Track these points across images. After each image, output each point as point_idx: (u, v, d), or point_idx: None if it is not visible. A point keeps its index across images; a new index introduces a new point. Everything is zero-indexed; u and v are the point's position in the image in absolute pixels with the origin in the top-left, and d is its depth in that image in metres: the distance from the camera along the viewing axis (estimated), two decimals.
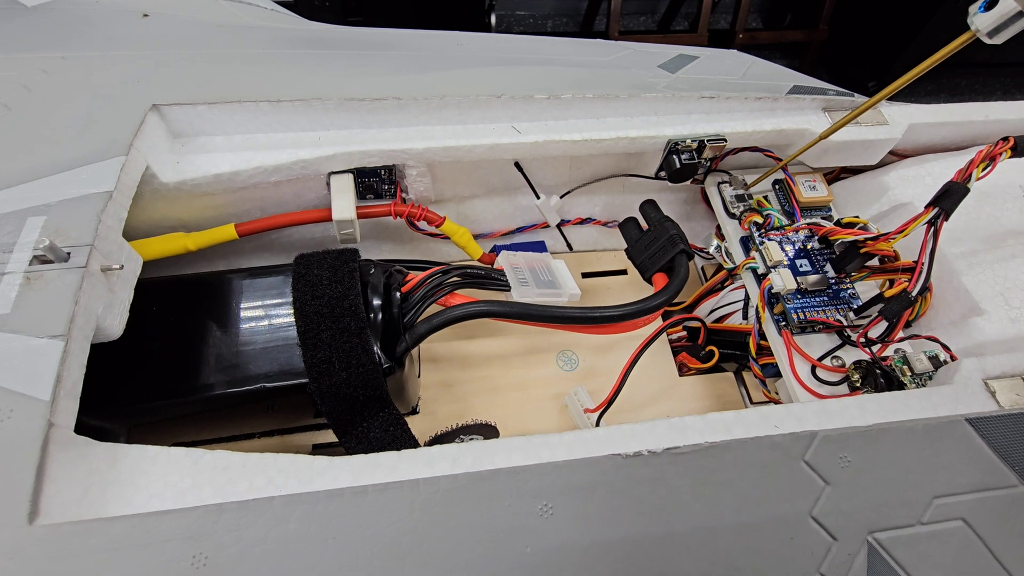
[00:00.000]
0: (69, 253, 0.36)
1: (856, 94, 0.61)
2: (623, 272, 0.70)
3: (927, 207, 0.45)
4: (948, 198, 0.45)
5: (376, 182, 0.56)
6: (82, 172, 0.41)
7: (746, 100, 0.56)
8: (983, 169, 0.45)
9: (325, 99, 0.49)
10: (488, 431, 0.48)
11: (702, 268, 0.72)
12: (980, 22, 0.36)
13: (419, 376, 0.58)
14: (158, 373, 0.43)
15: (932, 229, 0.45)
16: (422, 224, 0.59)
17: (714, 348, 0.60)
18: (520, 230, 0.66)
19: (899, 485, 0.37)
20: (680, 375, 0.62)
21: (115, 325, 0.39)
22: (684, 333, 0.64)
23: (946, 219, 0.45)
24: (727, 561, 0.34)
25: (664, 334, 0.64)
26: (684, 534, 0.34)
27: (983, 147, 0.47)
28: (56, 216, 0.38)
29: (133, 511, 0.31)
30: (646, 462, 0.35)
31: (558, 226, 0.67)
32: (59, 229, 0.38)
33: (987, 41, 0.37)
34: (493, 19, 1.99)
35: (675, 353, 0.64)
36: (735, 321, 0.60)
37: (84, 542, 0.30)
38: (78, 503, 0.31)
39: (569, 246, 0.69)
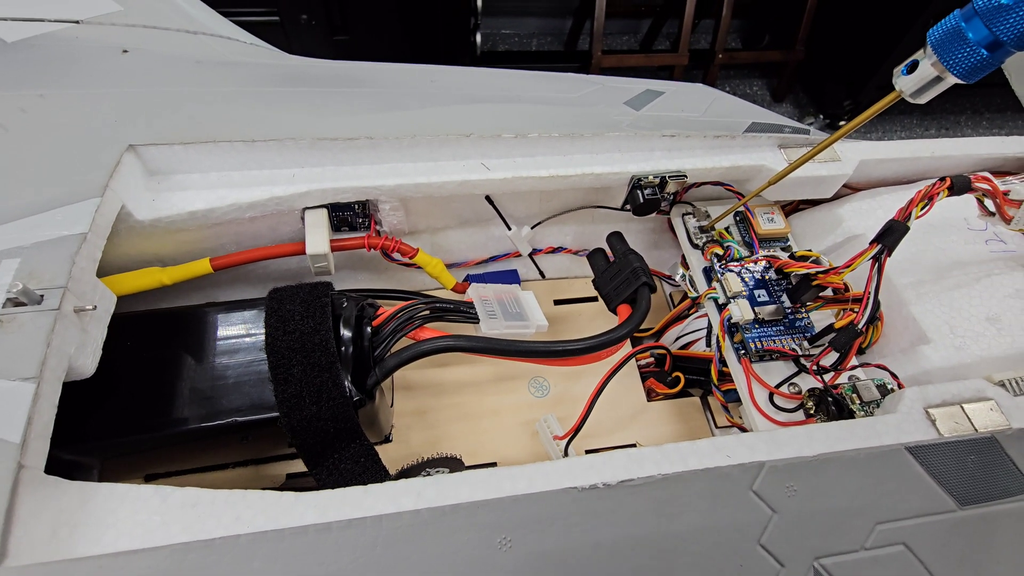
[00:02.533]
0: (42, 296, 0.37)
1: (812, 129, 0.64)
2: (595, 299, 0.72)
3: (871, 243, 0.48)
4: (890, 235, 0.47)
5: (350, 215, 0.57)
6: (57, 214, 0.42)
7: (705, 138, 0.58)
8: (922, 208, 0.48)
9: (299, 139, 0.51)
10: (454, 464, 0.49)
11: (670, 294, 0.74)
12: (902, 84, 0.39)
13: (392, 405, 0.59)
14: (131, 408, 0.44)
15: (876, 264, 0.48)
16: (396, 255, 0.60)
17: (680, 374, 0.62)
18: (493, 259, 0.68)
19: (843, 512, 0.39)
20: (648, 400, 0.64)
21: (87, 364, 0.40)
22: (652, 360, 0.66)
23: (889, 255, 0.48)
24: None
25: (633, 360, 0.66)
26: (638, 564, 0.36)
27: (924, 185, 0.49)
28: (30, 259, 0.39)
29: (102, 551, 0.32)
30: (601, 495, 0.37)
31: (530, 255, 0.69)
32: (33, 272, 0.39)
33: (911, 101, 0.39)
34: (479, 38, 2.03)
35: (643, 379, 0.66)
36: (700, 348, 0.63)
37: None
38: (47, 543, 0.32)
39: (542, 274, 0.71)
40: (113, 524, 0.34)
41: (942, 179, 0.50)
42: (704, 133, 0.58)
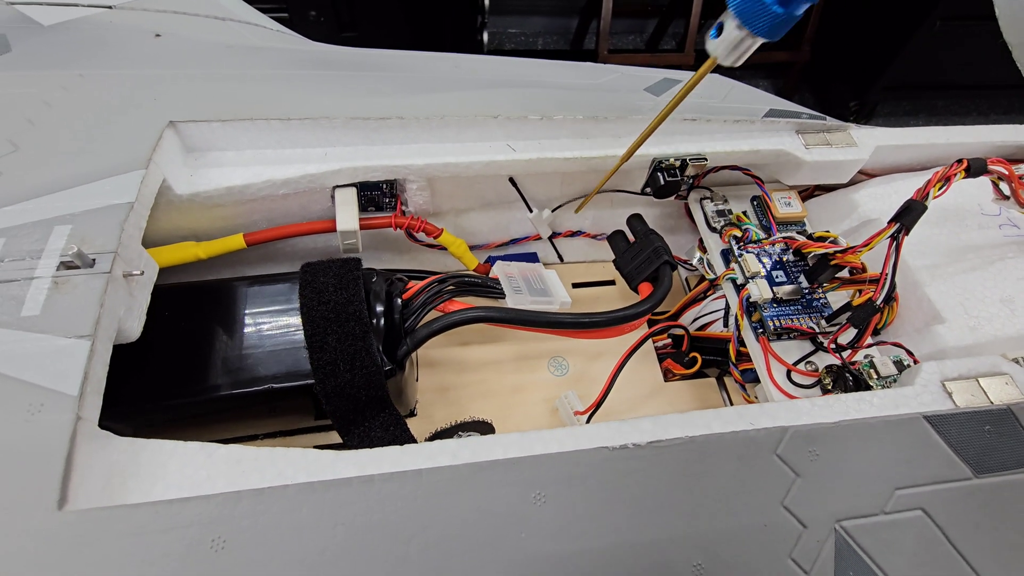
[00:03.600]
0: (94, 259, 0.39)
1: (828, 117, 0.65)
2: (611, 283, 0.73)
3: (889, 223, 0.49)
4: (908, 214, 0.49)
5: (378, 195, 0.59)
6: (105, 184, 0.43)
7: (725, 123, 0.59)
8: (939, 188, 0.49)
9: (332, 118, 0.52)
10: (484, 428, 0.50)
11: (686, 279, 0.75)
12: (712, 48, 0.40)
13: (417, 380, 0.61)
14: (169, 374, 0.46)
15: (894, 243, 0.49)
16: (420, 235, 0.62)
17: (697, 355, 0.64)
18: (514, 242, 0.69)
19: (863, 477, 0.40)
20: (665, 380, 0.66)
21: (134, 327, 0.41)
22: (669, 341, 0.67)
23: (907, 233, 0.49)
24: (706, 546, 0.37)
25: (650, 341, 0.67)
26: (666, 521, 0.37)
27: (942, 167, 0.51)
28: (81, 225, 0.41)
29: (154, 500, 0.34)
30: (631, 454, 0.38)
31: (550, 238, 0.70)
32: (84, 237, 0.40)
33: (725, 64, 0.40)
34: (486, 36, 2.04)
35: (660, 360, 0.67)
36: (717, 329, 0.64)
37: (110, 527, 0.32)
38: (101, 492, 0.34)
39: (560, 257, 0.73)
40: (162, 476, 0.36)
41: (959, 161, 0.51)
42: (724, 118, 0.59)
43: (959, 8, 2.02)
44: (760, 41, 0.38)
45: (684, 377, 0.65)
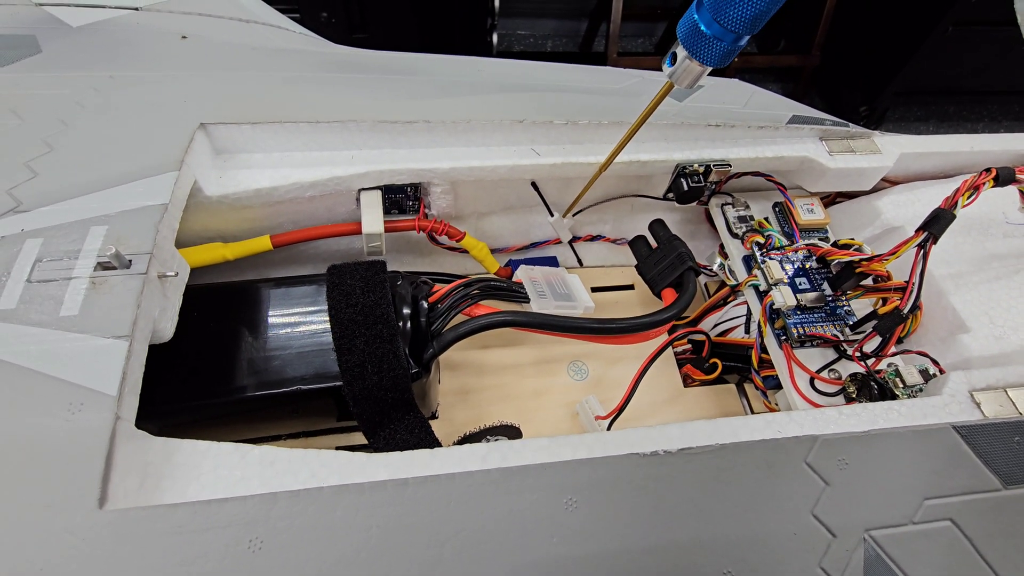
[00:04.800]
0: (131, 260, 0.39)
1: (851, 124, 0.65)
2: (631, 287, 0.73)
3: (917, 231, 0.49)
4: (936, 223, 0.48)
5: (402, 198, 0.59)
6: (138, 186, 0.44)
7: (749, 128, 0.60)
8: (968, 197, 0.49)
9: (360, 121, 0.53)
10: (512, 432, 0.51)
11: (705, 285, 0.75)
12: (669, 74, 0.41)
13: (439, 383, 0.61)
14: (198, 375, 0.46)
15: (922, 251, 0.49)
16: (443, 238, 0.62)
17: (717, 361, 0.63)
18: (534, 245, 0.70)
19: (893, 487, 0.40)
20: (684, 386, 0.66)
21: (168, 328, 0.42)
22: (689, 346, 0.67)
23: (934, 242, 0.49)
24: (736, 554, 0.37)
25: (670, 347, 0.67)
26: (697, 528, 0.37)
27: (969, 176, 0.51)
28: (117, 226, 0.41)
29: (190, 500, 0.34)
30: (662, 461, 0.38)
31: (570, 243, 0.70)
32: (120, 238, 0.41)
33: (683, 87, 0.41)
34: (495, 38, 2.05)
35: (680, 365, 0.67)
36: (737, 335, 0.64)
37: (150, 526, 0.32)
38: (139, 491, 0.34)
39: (580, 262, 0.73)
40: (196, 477, 0.36)
41: (987, 170, 0.51)
42: (748, 124, 0.59)
43: (972, 13, 2.01)
44: (707, 70, 0.40)
45: (704, 383, 0.65)
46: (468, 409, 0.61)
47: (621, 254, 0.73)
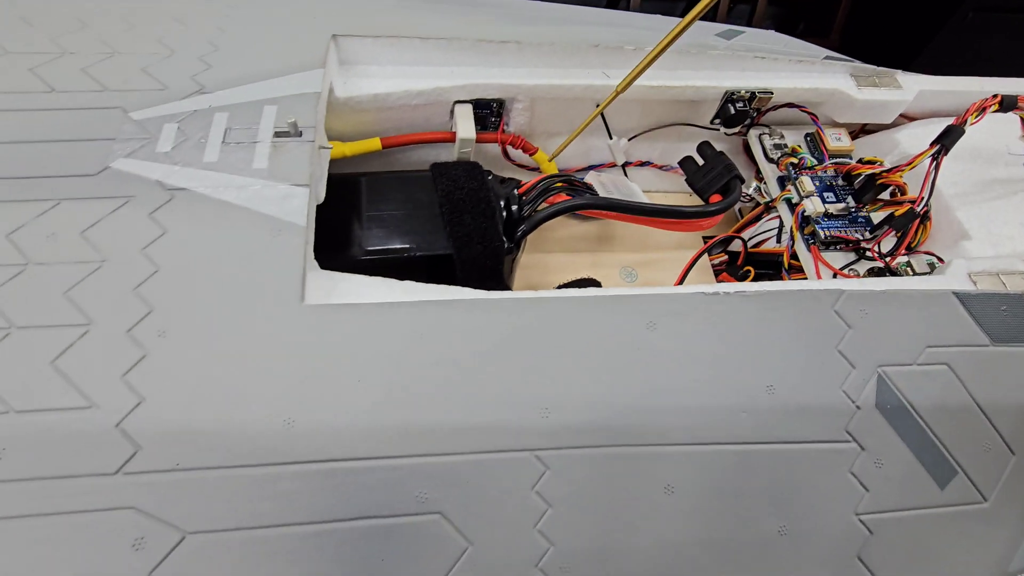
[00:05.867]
0: (301, 131, 0.49)
1: (878, 67, 0.74)
2: None
3: (931, 144, 0.59)
4: (948, 136, 0.58)
5: (486, 114, 0.68)
6: (293, 78, 0.54)
7: (790, 62, 0.69)
8: (976, 116, 0.58)
9: (462, 39, 0.62)
10: (594, 283, 0.60)
11: (739, 210, 0.85)
12: None
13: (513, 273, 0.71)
14: (336, 235, 0.55)
15: (934, 162, 0.59)
16: (517, 153, 0.71)
17: (751, 268, 0.73)
18: (591, 167, 0.79)
19: (902, 334, 0.50)
20: None
21: (321, 191, 0.51)
22: (725, 257, 0.77)
23: (945, 153, 0.58)
24: (777, 370, 0.47)
25: (707, 258, 0.77)
26: (749, 350, 0.47)
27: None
28: (284, 106, 0.51)
29: (367, 302, 0.44)
30: (721, 300, 0.48)
31: (623, 166, 0.80)
32: (289, 115, 0.50)
33: None
34: None
35: (716, 275, 0.77)
36: (770, 246, 0.73)
37: (340, 318, 0.43)
38: (326, 295, 0.44)
39: None
40: (362, 293, 0.46)
41: (994, 95, 0.60)
42: (789, 57, 0.68)
43: None
44: None
45: None
46: None
47: (666, 180, 0.82)
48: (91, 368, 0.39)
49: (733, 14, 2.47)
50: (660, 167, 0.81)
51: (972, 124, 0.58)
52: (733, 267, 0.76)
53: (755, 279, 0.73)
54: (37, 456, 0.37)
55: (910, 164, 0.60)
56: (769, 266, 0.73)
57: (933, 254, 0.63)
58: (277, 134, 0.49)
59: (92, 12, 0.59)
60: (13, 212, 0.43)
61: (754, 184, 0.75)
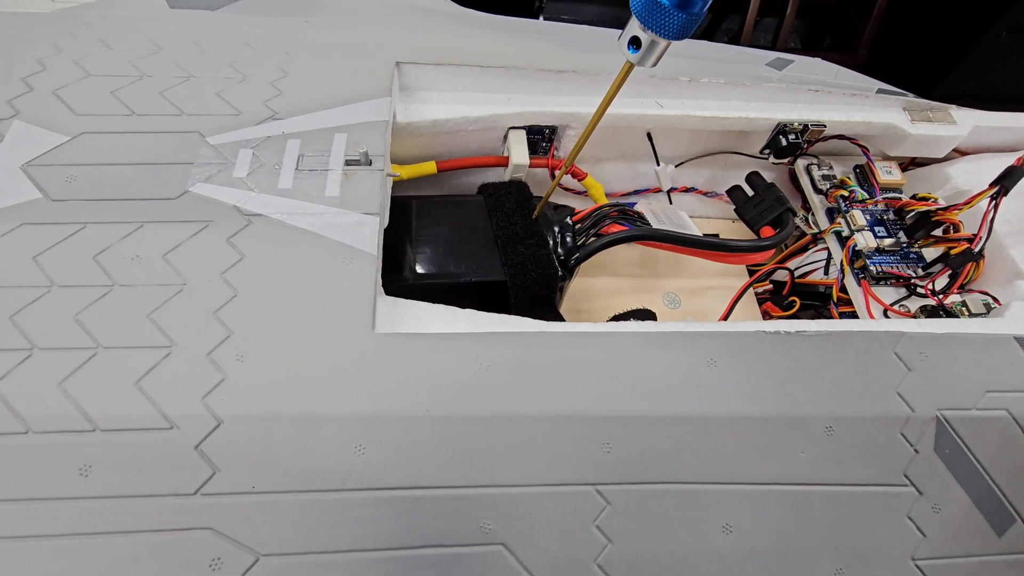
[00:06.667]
0: (371, 160, 0.50)
1: (931, 102, 0.74)
2: (715, 236, 0.83)
3: (991, 184, 0.58)
4: (1008, 178, 0.57)
5: (538, 139, 0.69)
6: (361, 106, 0.55)
7: (843, 95, 0.69)
8: None
9: (520, 68, 0.63)
10: (650, 315, 0.61)
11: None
12: (634, 59, 0.42)
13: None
14: (397, 260, 0.56)
15: (993, 202, 0.58)
16: (566, 179, 0.72)
17: (796, 299, 0.73)
18: (637, 192, 0.80)
19: (962, 378, 0.50)
20: (763, 320, 0.75)
21: (386, 216, 0.53)
22: (770, 287, 0.77)
23: (1005, 195, 0.58)
24: (836, 411, 0.47)
25: (751, 288, 0.77)
26: (806, 390, 0.47)
27: None
28: (354, 134, 0.52)
29: (434, 332, 0.45)
30: (783, 339, 0.48)
31: (668, 192, 0.80)
32: (358, 143, 0.52)
33: (645, 66, 0.42)
34: (542, 19, 2.12)
35: (760, 303, 0.77)
36: (816, 277, 0.73)
37: (409, 346, 0.43)
38: (394, 324, 0.45)
39: None
40: (421, 326, 0.47)
41: None
42: (843, 91, 0.68)
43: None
44: (667, 44, 0.40)
45: (782, 319, 0.75)
46: None
47: (709, 206, 0.83)
48: (173, 390, 0.40)
49: (759, 27, 2.47)
50: (705, 193, 0.81)
51: None
52: (779, 296, 0.76)
53: (800, 309, 0.73)
54: (121, 475, 0.38)
55: (968, 203, 0.59)
56: (815, 297, 0.73)
57: (988, 293, 0.62)
58: (348, 162, 0.50)
59: (165, 34, 0.61)
60: (100, 233, 0.45)
61: (800, 214, 0.75)
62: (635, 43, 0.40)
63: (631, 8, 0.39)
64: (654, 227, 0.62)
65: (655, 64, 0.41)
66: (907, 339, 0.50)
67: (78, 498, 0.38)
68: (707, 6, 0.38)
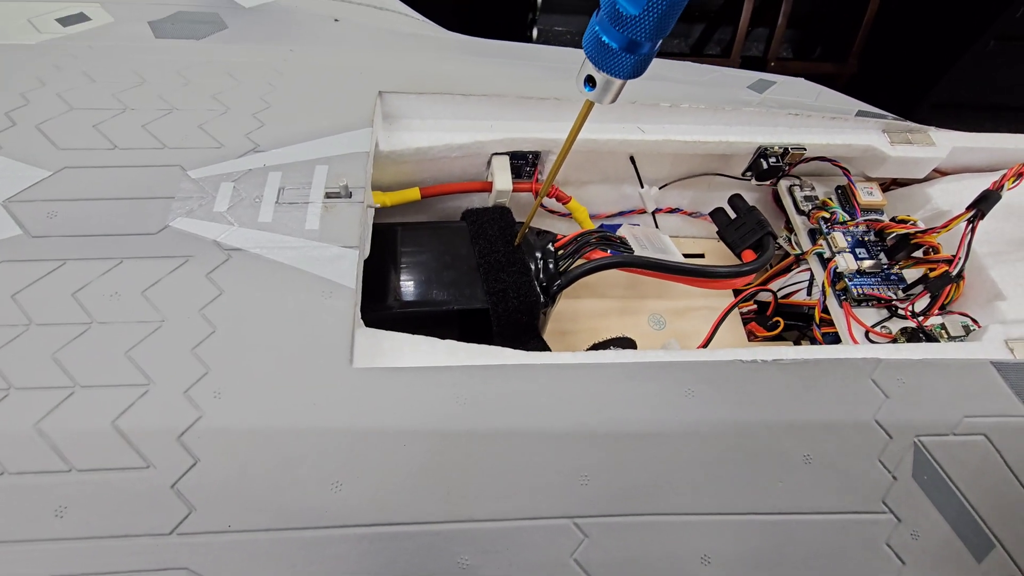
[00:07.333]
0: (351, 192, 0.51)
1: (910, 122, 0.74)
2: (701, 256, 0.83)
3: (967, 208, 0.59)
4: (985, 202, 0.58)
5: (522, 164, 0.70)
6: (343, 137, 0.55)
7: (823, 118, 0.69)
8: (1013, 181, 0.59)
9: (503, 95, 0.64)
10: (630, 343, 0.61)
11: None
12: (592, 97, 0.42)
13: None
14: (376, 289, 0.57)
15: (970, 226, 0.59)
16: (550, 201, 0.73)
17: (780, 319, 0.74)
18: (621, 214, 0.80)
19: (939, 404, 0.50)
20: (748, 341, 0.76)
21: (367, 248, 0.53)
22: (754, 307, 0.77)
23: (981, 218, 0.59)
24: (812, 443, 0.47)
25: (736, 308, 0.78)
26: (784, 419, 0.47)
27: (1015, 165, 0.60)
28: (335, 166, 0.53)
29: (412, 366, 0.45)
30: (759, 368, 0.49)
31: (652, 213, 0.81)
32: (339, 175, 0.52)
33: (603, 104, 0.42)
34: (535, 32, 2.14)
35: (744, 323, 0.77)
36: (799, 298, 0.74)
37: (386, 380, 0.44)
38: (371, 358, 0.46)
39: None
40: (400, 357, 0.47)
41: None
42: (823, 114, 0.69)
43: (1017, 28, 2.03)
44: (622, 82, 0.40)
45: (766, 339, 0.76)
46: (566, 348, 0.72)
47: (695, 226, 0.83)
48: (149, 428, 0.40)
49: (751, 37, 2.49)
50: (689, 214, 0.82)
51: (1010, 189, 0.59)
52: (763, 317, 0.76)
53: (785, 329, 0.74)
54: (96, 515, 0.38)
55: (946, 227, 0.60)
56: (798, 317, 0.73)
57: (967, 315, 0.63)
58: (328, 195, 0.50)
59: (149, 65, 0.61)
60: (79, 270, 0.45)
61: (783, 235, 0.76)
62: (590, 81, 0.41)
63: (584, 48, 0.39)
64: (636, 253, 0.63)
65: (614, 101, 0.41)
66: (884, 365, 0.50)
67: (54, 539, 0.38)
68: (656, 47, 0.37)
